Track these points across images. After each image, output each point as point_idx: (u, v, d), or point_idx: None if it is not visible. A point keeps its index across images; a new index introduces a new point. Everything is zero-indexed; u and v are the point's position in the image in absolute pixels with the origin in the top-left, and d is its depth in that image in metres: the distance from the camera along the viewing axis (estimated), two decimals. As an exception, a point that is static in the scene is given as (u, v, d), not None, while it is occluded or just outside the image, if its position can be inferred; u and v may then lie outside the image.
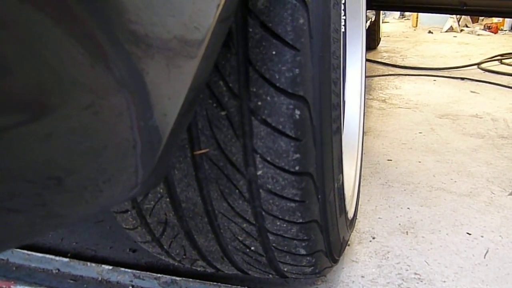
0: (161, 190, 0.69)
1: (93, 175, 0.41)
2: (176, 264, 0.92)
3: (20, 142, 0.33)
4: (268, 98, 0.57)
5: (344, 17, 1.29)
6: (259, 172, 0.62)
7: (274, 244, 0.72)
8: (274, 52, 0.55)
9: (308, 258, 0.75)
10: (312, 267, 0.79)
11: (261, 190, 0.64)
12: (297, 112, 0.57)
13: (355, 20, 1.31)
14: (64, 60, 0.33)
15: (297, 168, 0.61)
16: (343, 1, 1.22)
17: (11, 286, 1.06)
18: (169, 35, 0.40)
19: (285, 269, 0.80)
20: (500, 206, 1.38)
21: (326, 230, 0.73)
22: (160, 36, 0.39)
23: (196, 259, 0.83)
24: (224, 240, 0.74)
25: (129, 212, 0.76)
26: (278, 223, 0.67)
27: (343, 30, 1.28)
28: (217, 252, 0.77)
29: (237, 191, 0.65)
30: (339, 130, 0.70)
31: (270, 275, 0.86)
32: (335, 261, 0.89)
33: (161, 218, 0.74)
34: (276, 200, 0.64)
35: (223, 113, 0.59)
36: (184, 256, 0.83)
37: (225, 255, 0.78)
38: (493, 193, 1.46)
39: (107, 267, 1.09)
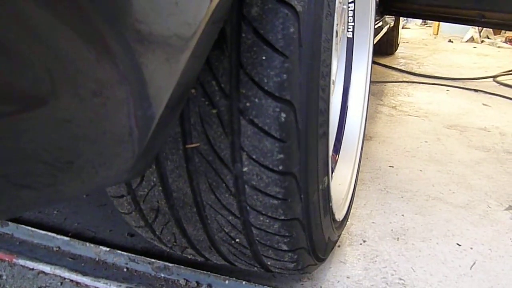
0: (154, 179, 0.73)
1: (88, 159, 0.46)
2: (169, 250, 0.96)
3: (33, 130, 0.37)
4: (256, 100, 0.60)
5: (352, 24, 1.32)
6: (245, 169, 0.66)
7: (257, 238, 0.76)
8: (264, 57, 0.58)
9: (290, 254, 0.79)
10: (295, 263, 0.82)
11: (246, 186, 0.67)
12: (283, 115, 0.61)
13: (363, 27, 1.33)
14: (69, 56, 0.37)
15: (280, 167, 0.64)
16: (351, 8, 1.25)
17: (14, 260, 1.11)
18: (161, 32, 0.44)
19: (269, 263, 0.84)
20: (494, 220, 1.40)
21: (308, 228, 0.77)
22: (153, 32, 0.43)
23: (185, 246, 0.87)
24: (211, 230, 0.78)
25: (124, 198, 0.80)
26: (262, 218, 0.71)
27: (350, 36, 1.31)
28: (205, 241, 0.81)
29: (224, 185, 0.69)
30: (325, 135, 0.73)
31: (255, 268, 0.89)
32: (319, 259, 0.92)
33: (154, 205, 0.78)
34: (260, 196, 0.68)
35: (214, 111, 0.63)
36: (174, 243, 0.87)
37: (212, 245, 0.82)
38: (489, 207, 1.48)
39: (104, 248, 1.13)
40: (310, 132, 0.66)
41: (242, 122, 0.62)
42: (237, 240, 0.78)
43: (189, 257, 0.96)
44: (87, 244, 1.15)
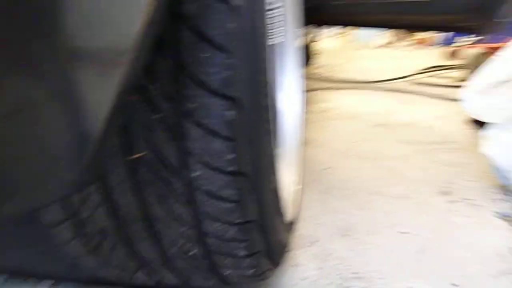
0: (98, 198, 0.68)
1: (21, 176, 0.42)
2: (116, 277, 0.90)
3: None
4: (201, 100, 0.58)
5: (283, 28, 1.34)
6: (195, 174, 0.63)
7: (214, 247, 0.73)
8: (205, 56, 0.57)
9: (248, 260, 0.76)
10: (254, 269, 0.80)
11: (197, 192, 0.65)
12: (230, 113, 0.59)
13: (292, 32, 1.35)
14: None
15: (231, 168, 0.63)
16: (281, 12, 1.27)
17: None
18: (95, 41, 0.41)
19: (227, 273, 0.81)
20: (432, 206, 1.46)
21: (264, 230, 0.75)
22: (87, 43, 0.40)
23: (136, 269, 0.82)
24: (163, 246, 0.74)
25: (65, 223, 0.74)
26: (217, 225, 0.69)
27: (283, 40, 1.33)
28: (158, 259, 0.77)
29: (174, 194, 0.65)
30: (272, 131, 0.73)
31: (212, 281, 0.86)
32: (275, 264, 0.91)
33: (99, 227, 0.73)
34: (213, 201, 0.65)
35: (157, 116, 0.60)
36: (123, 268, 0.82)
37: (166, 262, 0.78)
38: (426, 195, 1.55)
39: (47, 282, 1.06)
40: (258, 129, 0.65)
41: (188, 125, 0.60)
42: (192, 252, 0.74)
43: (139, 282, 0.91)
44: (28, 280, 1.06)
